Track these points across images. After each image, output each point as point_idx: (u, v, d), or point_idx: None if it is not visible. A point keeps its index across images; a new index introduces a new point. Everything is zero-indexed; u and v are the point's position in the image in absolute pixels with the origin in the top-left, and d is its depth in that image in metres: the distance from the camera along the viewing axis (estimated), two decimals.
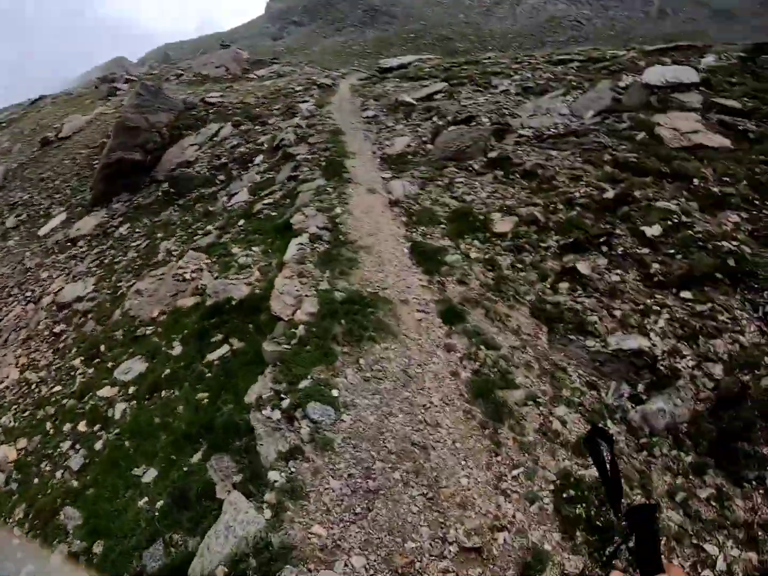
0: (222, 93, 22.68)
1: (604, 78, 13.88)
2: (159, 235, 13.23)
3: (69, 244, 17.93)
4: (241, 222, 10.51)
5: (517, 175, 9.91)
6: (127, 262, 13.44)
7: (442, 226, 8.84)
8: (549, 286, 7.16)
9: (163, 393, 7.01)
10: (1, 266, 18.14)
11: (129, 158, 17.19)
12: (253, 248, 8.73)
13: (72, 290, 13.80)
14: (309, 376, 5.28)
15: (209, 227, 11.36)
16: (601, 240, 7.52)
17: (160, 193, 15.97)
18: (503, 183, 9.82)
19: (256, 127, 15.46)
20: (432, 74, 20.11)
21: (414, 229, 8.75)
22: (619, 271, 7.05)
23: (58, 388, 9.93)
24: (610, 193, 8.43)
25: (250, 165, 13.16)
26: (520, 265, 7.65)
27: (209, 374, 6.60)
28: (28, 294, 15.67)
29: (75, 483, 6.41)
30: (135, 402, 7.30)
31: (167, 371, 7.24)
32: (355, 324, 5.93)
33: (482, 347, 6.08)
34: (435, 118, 14.34)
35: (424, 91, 16.55)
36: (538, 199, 9.06)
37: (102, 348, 9.76)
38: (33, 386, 10.27)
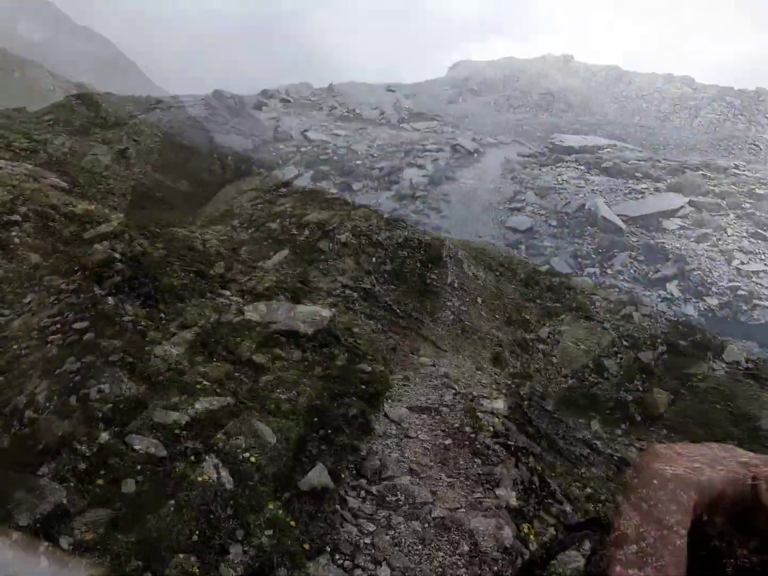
0: (347, 134, 17.45)
1: None
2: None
3: None
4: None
5: None
6: None
7: None
8: None
9: None
10: None
11: (170, 186, 12.28)
12: None
13: None
14: None
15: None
16: None
17: None
18: None
19: (327, 195, 9.10)
20: (645, 172, 12.34)
21: None
22: None
23: None
24: None
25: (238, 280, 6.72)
26: None
27: None
28: None
29: None
30: None
31: None
32: None
33: None
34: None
35: (645, 205, 8.67)
36: None
37: None
38: None
